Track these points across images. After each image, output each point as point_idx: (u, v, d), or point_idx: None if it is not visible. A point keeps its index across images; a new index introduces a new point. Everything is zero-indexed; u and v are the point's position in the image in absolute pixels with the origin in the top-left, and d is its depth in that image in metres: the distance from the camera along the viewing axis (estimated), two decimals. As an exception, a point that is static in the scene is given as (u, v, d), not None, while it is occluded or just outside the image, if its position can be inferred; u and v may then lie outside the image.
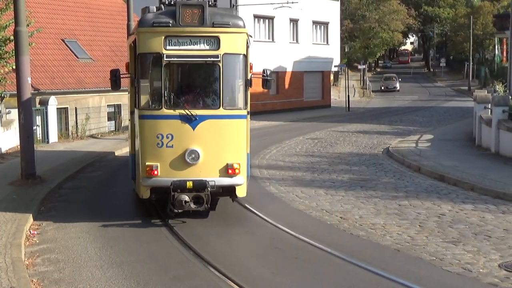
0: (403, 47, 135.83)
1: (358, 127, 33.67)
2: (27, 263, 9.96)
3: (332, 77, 60.73)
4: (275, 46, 44.38)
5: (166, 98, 12.05)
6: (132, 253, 10.51)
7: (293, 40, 46.61)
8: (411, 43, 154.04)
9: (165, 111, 11.93)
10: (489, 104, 23.27)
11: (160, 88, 12.04)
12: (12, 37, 19.22)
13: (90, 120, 29.36)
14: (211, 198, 11.86)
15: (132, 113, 13.43)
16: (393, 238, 11.20)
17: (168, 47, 11.83)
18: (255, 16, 42.45)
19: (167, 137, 11.82)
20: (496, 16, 70.48)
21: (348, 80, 51.85)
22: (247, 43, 12.55)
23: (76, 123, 28.64)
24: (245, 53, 12.46)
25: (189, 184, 11.63)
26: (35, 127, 23.22)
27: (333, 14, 50.58)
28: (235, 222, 12.69)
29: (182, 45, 11.90)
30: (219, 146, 11.98)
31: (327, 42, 50.16)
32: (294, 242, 11.11)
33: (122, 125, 30.72)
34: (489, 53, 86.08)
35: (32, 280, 9.03)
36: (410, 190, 15.82)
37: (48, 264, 10.02)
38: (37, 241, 11.40)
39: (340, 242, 11.01)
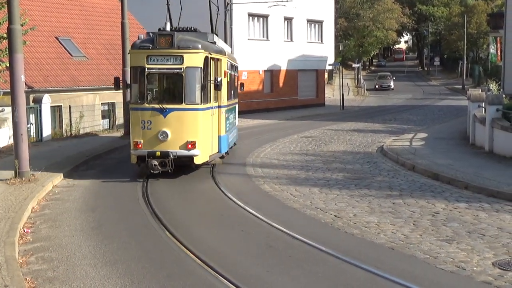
0: (397, 46, 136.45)
1: (352, 125, 33.71)
2: (21, 261, 9.93)
3: (326, 76, 60.81)
4: (269, 44, 44.40)
5: (146, 96, 17.25)
6: (126, 252, 10.50)
7: (288, 38, 46.63)
8: (405, 41, 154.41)
9: (146, 105, 17.07)
10: (483, 103, 23.34)
11: (143, 90, 17.23)
12: (5, 35, 19.16)
13: (84, 118, 29.29)
14: (174, 164, 16.90)
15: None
16: (387, 237, 11.21)
17: (149, 62, 16.98)
18: (250, 15, 42.45)
19: (147, 122, 17.01)
20: (490, 15, 70.68)
21: (342, 78, 51.95)
22: (209, 59, 17.44)
23: (70, 121, 28.59)
24: (202, 66, 17.15)
25: (158, 154, 16.87)
26: (28, 125, 23.22)
27: (327, 13, 50.61)
28: (229, 221, 12.69)
29: (158, 61, 17.01)
30: (181, 129, 17.03)
31: (322, 41, 50.20)
32: (289, 240, 11.11)
33: (117, 123, 30.64)
34: (483, 52, 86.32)
35: (26, 279, 9.00)
36: (404, 188, 15.85)
37: (42, 262, 9.99)
38: (31, 240, 11.37)
39: (335, 241, 11.02)
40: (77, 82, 29.47)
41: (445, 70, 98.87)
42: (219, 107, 18.77)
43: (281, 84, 46.00)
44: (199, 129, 17.25)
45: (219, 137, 18.88)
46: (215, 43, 18.84)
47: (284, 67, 46.15)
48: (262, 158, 21.78)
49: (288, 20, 46.30)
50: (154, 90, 17.88)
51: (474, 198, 14.51)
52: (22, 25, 18.26)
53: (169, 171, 16.87)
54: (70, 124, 28.51)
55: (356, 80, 76.12)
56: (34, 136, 25.98)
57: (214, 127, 18.31)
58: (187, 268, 9.60)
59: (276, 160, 21.18)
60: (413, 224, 12.14)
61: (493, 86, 30.77)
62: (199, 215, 13.29)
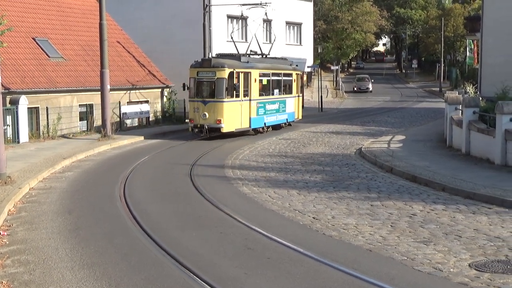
0: (375, 48, 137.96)
1: (331, 127, 33.82)
2: (-3, 264, 9.83)
3: (305, 78, 60.87)
4: (248, 46, 44.35)
5: (196, 94, 28.30)
6: (103, 254, 10.44)
7: (266, 40, 46.65)
8: (384, 44, 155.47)
9: (196, 99, 28.19)
10: (460, 105, 23.54)
11: (195, 90, 28.33)
12: (-18, 36, 18.95)
13: (62, 120, 29.06)
14: (209, 131, 27.84)
15: None
16: (365, 238, 11.26)
17: (198, 75, 28.24)
18: (229, 17, 42.45)
19: (196, 108, 27.98)
20: (467, 18, 71.34)
21: (321, 80, 52.06)
22: (234, 73, 28.06)
23: (47, 123, 28.33)
24: (227, 77, 27.60)
25: (199, 125, 27.89)
26: (5, 127, 22.99)
27: (306, 15, 50.73)
28: (208, 223, 12.66)
29: (202, 74, 28.20)
30: (214, 112, 27.75)
31: (300, 43, 50.33)
32: (267, 242, 11.12)
33: (95, 125, 30.45)
34: (460, 55, 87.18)
35: (2, 282, 8.92)
36: (382, 190, 15.93)
37: (18, 265, 9.90)
38: (7, 242, 11.26)
39: (313, 242, 11.05)
40: (54, 84, 29.21)
41: (423, 73, 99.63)
42: (250, 100, 29.43)
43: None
44: (224, 113, 27.76)
45: (250, 118, 29.61)
46: (248, 62, 29.76)
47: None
48: (240, 160, 21.77)
49: (267, 22, 46.35)
50: (200, 90, 28.35)
51: (451, 200, 14.62)
52: (-1, 25, 18.08)
53: (206, 135, 27.77)
54: (48, 126, 28.26)
55: (334, 82, 76.37)
56: (11, 138, 25.73)
57: (244, 112, 29.06)
58: (165, 271, 9.56)
59: (255, 162, 21.19)
60: (391, 226, 12.20)
61: (470, 89, 31.06)
62: (177, 217, 13.25)
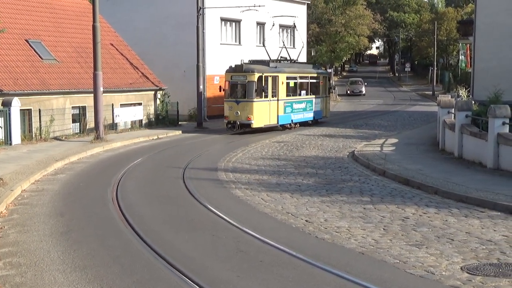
0: (369, 52, 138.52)
1: (324, 130, 33.85)
2: (-12, 267, 9.79)
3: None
4: (242, 49, 44.39)
5: (230, 94, 32.23)
6: (95, 257, 10.41)
7: (260, 43, 46.66)
8: (377, 47, 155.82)
9: (230, 99, 32.02)
10: (453, 109, 23.61)
11: (229, 91, 32.30)
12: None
13: (54, 122, 28.99)
14: (241, 126, 31.59)
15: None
16: (358, 241, 11.27)
17: (232, 78, 32.16)
18: (222, 19, 42.44)
19: (231, 107, 31.75)
20: (460, 22, 71.57)
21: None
22: (262, 77, 31.97)
23: (40, 125, 28.26)
24: (256, 81, 31.55)
25: (233, 121, 31.64)
26: (-3, 129, 22.92)
27: (299, 18, 50.73)
28: (200, 226, 12.65)
29: (235, 78, 32.05)
30: (245, 110, 31.49)
31: (294, 46, 50.32)
32: (259, 245, 11.11)
33: (87, 127, 30.38)
34: (453, 59, 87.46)
35: (-7, 285, 8.88)
36: (375, 193, 15.95)
37: (10, 268, 9.86)
38: (-1, 245, 11.21)
39: (305, 245, 11.05)
40: (47, 86, 29.14)
41: (416, 76, 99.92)
42: (278, 100, 33.48)
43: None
44: (254, 111, 31.75)
45: (278, 116, 33.62)
46: (276, 67, 34.00)
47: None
48: (233, 163, 21.76)
49: (261, 25, 46.38)
50: (234, 91, 32.38)
51: (444, 203, 14.65)
52: (-9, 27, 18.03)
53: (238, 129, 31.68)
54: (40, 128, 28.19)
55: (328, 85, 76.32)
56: (3, 140, 25.65)
57: (272, 110, 33.08)
58: (157, 273, 9.54)
59: (248, 165, 21.18)
60: (383, 229, 12.22)
61: (462, 93, 31.14)
62: (169, 220, 13.23)
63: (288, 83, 34.92)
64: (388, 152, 23.29)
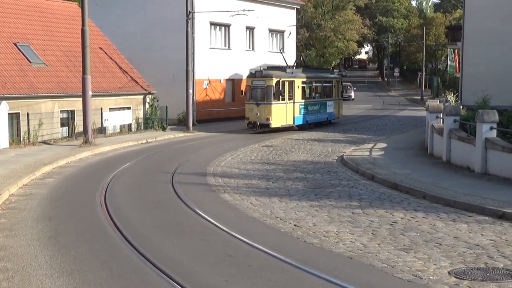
0: (358, 56, 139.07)
1: (313, 135, 33.91)
2: (-25, 271, 9.73)
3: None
4: (231, 53, 44.42)
5: (251, 97, 35.14)
6: (83, 261, 10.37)
7: (249, 48, 46.73)
8: (366, 52, 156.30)
9: (251, 101, 35.08)
10: (441, 114, 23.70)
11: (249, 95, 35.35)
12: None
13: (43, 126, 28.87)
14: (260, 126, 34.70)
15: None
16: (346, 246, 11.29)
17: (252, 83, 35.21)
18: (212, 24, 42.43)
19: (251, 109, 34.90)
20: (448, 27, 71.93)
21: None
22: (280, 81, 35.00)
23: (28, 129, 28.13)
24: (274, 85, 34.42)
25: (252, 121, 34.89)
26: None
27: (289, 23, 50.86)
28: (189, 230, 12.63)
29: (256, 82, 35.07)
30: (264, 112, 34.49)
31: (283, 50, 50.41)
32: (248, 249, 11.11)
33: (76, 131, 30.28)
34: (441, 64, 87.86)
35: (-20, 289, 8.83)
36: (363, 198, 15.99)
37: (-3, 272, 9.81)
38: (-14, 249, 11.15)
39: (294, 250, 11.06)
40: (35, 89, 29.03)
41: (405, 81, 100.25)
42: (294, 102, 36.28)
43: (242, 93, 46.04)
44: (272, 112, 34.61)
45: (294, 117, 36.45)
46: (292, 72, 37.20)
47: (245, 76, 46.14)
48: (222, 167, 21.75)
49: (250, 29, 46.43)
50: (253, 95, 35.17)
51: (432, 207, 14.70)
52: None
53: (257, 129, 34.68)
54: (28, 132, 28.06)
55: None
56: (-9, 143, 25.50)
57: (289, 112, 35.97)
58: (145, 278, 9.52)
59: (237, 170, 21.18)
60: (372, 233, 12.24)
61: (451, 98, 31.27)
62: (158, 224, 13.20)
63: (303, 87, 37.87)
64: (377, 157, 23.35)
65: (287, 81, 35.86)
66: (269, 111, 34.66)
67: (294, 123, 36.80)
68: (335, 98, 42.86)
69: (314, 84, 39.98)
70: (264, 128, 34.90)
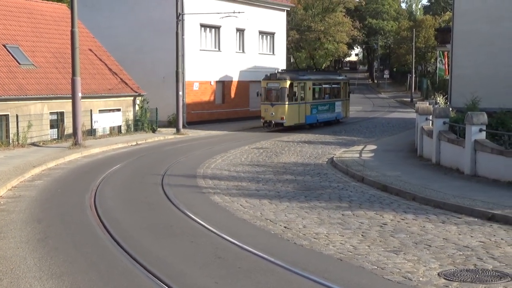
0: (348, 58, 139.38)
1: (303, 137, 33.93)
2: (-37, 274, 9.67)
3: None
4: (221, 55, 44.41)
5: (266, 98, 37.91)
6: (73, 264, 10.33)
7: (240, 49, 46.73)
8: (356, 54, 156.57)
9: (266, 102, 37.84)
10: (431, 116, 23.77)
11: (265, 96, 38.02)
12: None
13: (32, 127, 28.75)
14: (275, 125, 37.66)
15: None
16: (336, 248, 11.30)
17: (267, 85, 38.01)
18: (202, 25, 42.40)
19: (266, 109, 37.74)
20: (437, 29, 72.09)
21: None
22: (293, 83, 38.20)
23: (17, 131, 28.00)
24: (287, 87, 37.32)
25: (268, 121, 37.79)
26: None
27: (279, 25, 50.93)
28: (179, 232, 12.60)
29: (270, 84, 37.93)
30: (278, 111, 37.29)
31: (273, 52, 50.45)
32: (238, 251, 11.10)
33: (66, 133, 30.16)
34: (431, 66, 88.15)
35: (-32, 292, 8.77)
36: (353, 200, 16.01)
37: (-15, 275, 9.75)
38: (-26, 252, 11.08)
39: (284, 252, 11.05)
40: (24, 91, 28.91)
41: (394, 83, 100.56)
42: (305, 103, 39.30)
43: (232, 95, 46.03)
44: (286, 112, 37.23)
45: (306, 116, 39.32)
46: (304, 75, 40.52)
47: (236, 78, 46.21)
48: (212, 169, 21.72)
49: (240, 31, 46.43)
50: (268, 96, 37.75)
51: (421, 209, 14.74)
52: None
53: (272, 127, 37.33)
54: (17, 134, 27.93)
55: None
56: (-20, 145, 25.38)
57: (301, 111, 38.85)
58: (135, 280, 9.48)
59: (227, 171, 21.16)
60: (362, 235, 12.26)
61: (440, 100, 31.37)
62: (148, 226, 13.16)
63: (314, 89, 41.11)
64: (367, 159, 23.39)
65: (299, 83, 38.98)
66: (283, 111, 37.33)
67: (305, 122, 39.72)
68: (343, 98, 45.69)
69: (323, 85, 43.08)
70: (278, 127, 37.66)
